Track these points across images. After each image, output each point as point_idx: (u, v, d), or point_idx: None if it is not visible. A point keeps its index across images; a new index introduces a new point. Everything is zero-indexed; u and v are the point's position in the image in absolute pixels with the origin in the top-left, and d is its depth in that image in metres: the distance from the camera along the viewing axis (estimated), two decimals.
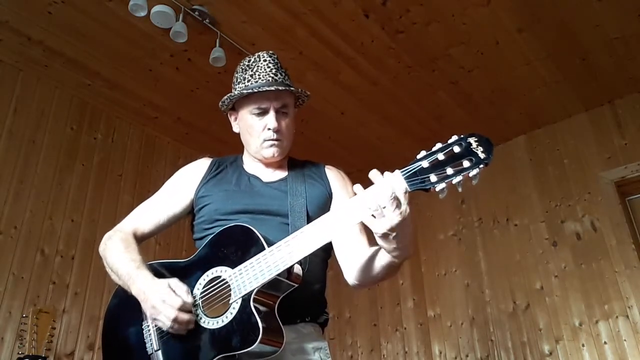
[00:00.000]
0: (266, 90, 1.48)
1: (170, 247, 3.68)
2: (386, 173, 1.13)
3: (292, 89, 1.53)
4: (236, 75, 1.56)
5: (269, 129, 1.50)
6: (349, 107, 3.81)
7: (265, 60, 1.52)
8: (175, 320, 1.22)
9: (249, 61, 1.54)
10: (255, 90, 1.47)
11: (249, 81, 1.50)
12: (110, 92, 3.59)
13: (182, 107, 3.78)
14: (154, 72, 3.43)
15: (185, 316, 1.23)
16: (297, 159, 1.66)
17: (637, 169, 3.52)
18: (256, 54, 1.55)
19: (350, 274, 1.42)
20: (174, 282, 1.28)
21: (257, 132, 1.52)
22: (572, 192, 3.75)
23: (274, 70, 1.51)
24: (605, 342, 3.30)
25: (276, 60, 1.55)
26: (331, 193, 1.55)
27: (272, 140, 1.51)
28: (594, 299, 3.43)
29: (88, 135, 3.57)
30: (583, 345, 3.37)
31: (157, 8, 2.85)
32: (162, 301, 1.23)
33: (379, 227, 1.11)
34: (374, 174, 1.13)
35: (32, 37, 3.12)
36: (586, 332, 3.39)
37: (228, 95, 1.54)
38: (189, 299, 1.25)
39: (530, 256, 3.78)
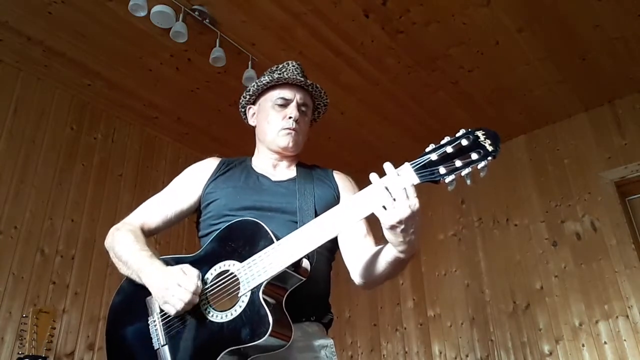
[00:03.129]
0: (293, 84, 1.59)
1: (170, 246, 3.68)
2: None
3: (317, 86, 1.61)
4: (260, 77, 1.64)
5: (289, 117, 1.56)
6: (349, 107, 3.81)
7: (293, 65, 1.64)
8: (189, 302, 1.23)
9: (276, 67, 1.65)
10: (285, 78, 1.57)
11: (276, 74, 1.60)
12: (110, 92, 3.59)
13: (182, 107, 3.78)
14: (154, 72, 3.43)
15: (196, 299, 1.25)
16: (305, 163, 1.69)
17: (637, 169, 3.52)
18: (284, 62, 1.66)
19: (356, 272, 1.43)
20: (187, 266, 1.29)
21: (276, 120, 1.58)
22: (572, 192, 3.75)
23: (301, 73, 1.63)
24: (605, 342, 3.30)
25: (302, 69, 1.65)
26: (339, 195, 1.57)
27: (290, 129, 1.56)
28: (594, 299, 3.43)
29: (88, 135, 3.57)
30: (583, 345, 3.37)
31: (157, 8, 2.85)
32: (178, 284, 1.24)
33: (388, 219, 1.13)
34: (386, 166, 1.15)
35: (32, 37, 3.12)
36: (586, 332, 3.39)
37: (255, 82, 1.62)
38: (201, 284, 1.27)
39: (530, 256, 3.78)
